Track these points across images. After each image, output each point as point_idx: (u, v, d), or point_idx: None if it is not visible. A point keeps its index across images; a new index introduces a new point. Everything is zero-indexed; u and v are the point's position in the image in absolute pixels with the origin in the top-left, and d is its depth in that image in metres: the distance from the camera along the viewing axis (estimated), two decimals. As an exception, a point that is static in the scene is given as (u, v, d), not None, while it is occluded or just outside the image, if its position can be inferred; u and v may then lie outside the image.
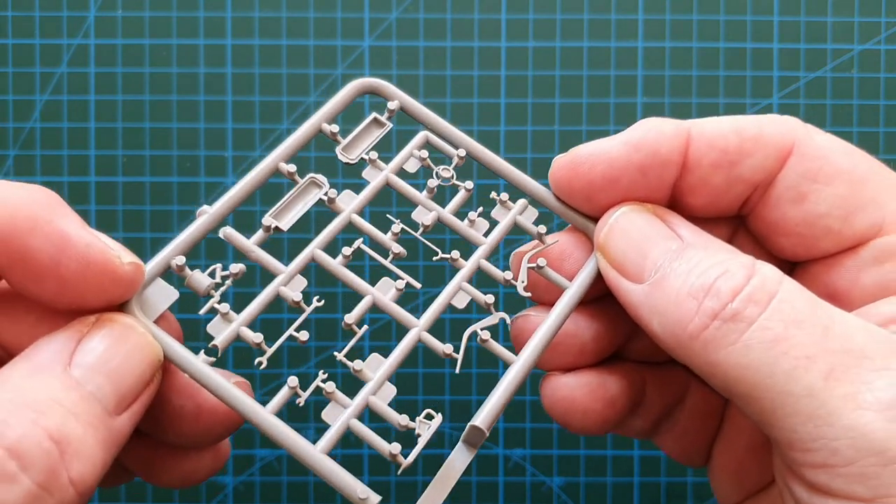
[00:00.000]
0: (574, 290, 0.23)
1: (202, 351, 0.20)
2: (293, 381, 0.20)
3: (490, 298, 0.22)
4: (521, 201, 0.24)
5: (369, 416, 0.21)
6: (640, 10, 0.36)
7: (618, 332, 0.24)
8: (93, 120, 0.36)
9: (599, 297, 0.24)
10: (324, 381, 0.21)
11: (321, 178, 0.23)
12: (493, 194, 0.24)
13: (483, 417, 0.20)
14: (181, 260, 0.21)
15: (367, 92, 0.24)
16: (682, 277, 0.20)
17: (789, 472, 0.19)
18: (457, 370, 0.21)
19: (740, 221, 0.24)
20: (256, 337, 0.21)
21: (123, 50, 0.36)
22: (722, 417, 0.25)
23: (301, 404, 0.20)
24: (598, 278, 0.23)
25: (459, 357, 0.21)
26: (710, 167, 0.22)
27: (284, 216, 0.23)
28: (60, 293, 0.18)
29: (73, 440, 0.16)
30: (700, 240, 0.21)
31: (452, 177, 0.24)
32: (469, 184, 0.24)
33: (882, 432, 0.17)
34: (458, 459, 0.21)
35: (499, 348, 0.22)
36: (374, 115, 0.24)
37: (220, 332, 0.21)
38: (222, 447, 0.24)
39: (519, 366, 0.21)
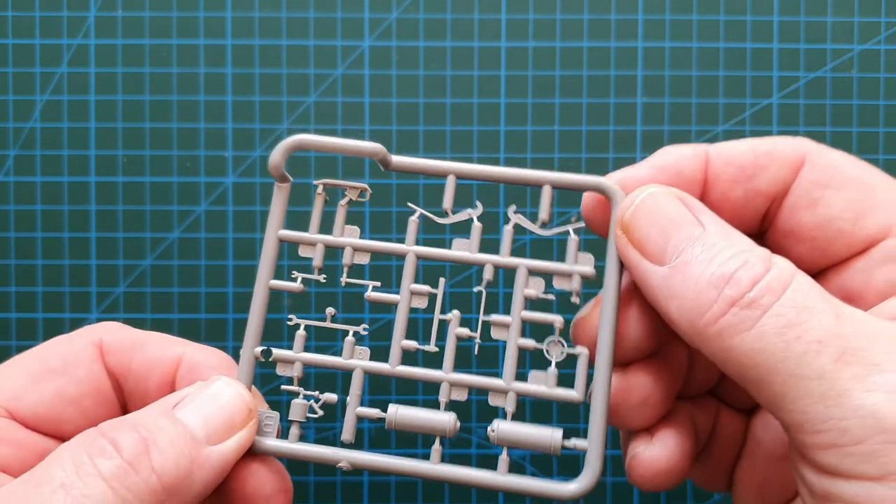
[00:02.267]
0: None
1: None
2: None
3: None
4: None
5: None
6: (640, 10, 0.36)
7: (675, 380, 0.25)
8: (93, 120, 0.36)
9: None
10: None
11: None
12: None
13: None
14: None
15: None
16: (704, 265, 0.20)
17: (800, 457, 0.20)
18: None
19: (762, 239, 0.24)
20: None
21: (123, 50, 0.36)
22: (744, 439, 0.26)
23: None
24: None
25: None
26: (728, 182, 0.23)
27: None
28: None
29: (158, 443, 0.21)
30: (721, 229, 0.21)
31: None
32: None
33: (891, 412, 0.18)
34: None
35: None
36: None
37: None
38: None
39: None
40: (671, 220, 0.21)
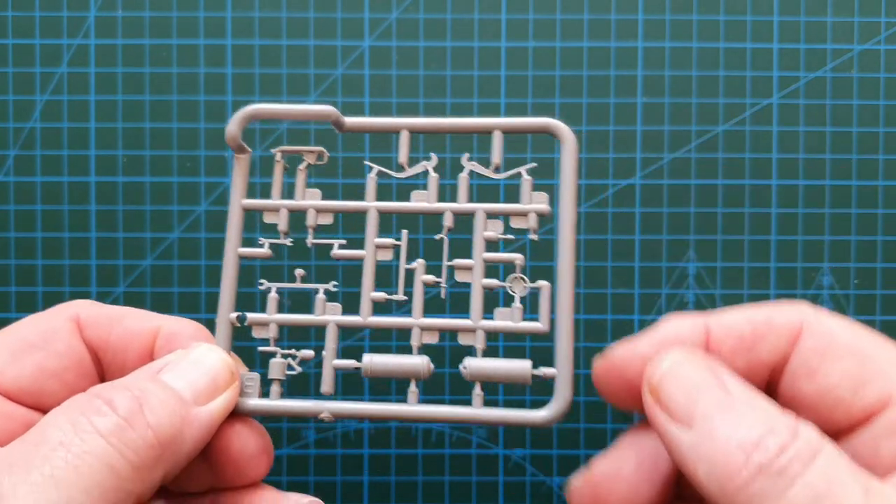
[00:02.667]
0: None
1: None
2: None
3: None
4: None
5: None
6: (640, 10, 0.36)
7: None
8: (93, 120, 0.36)
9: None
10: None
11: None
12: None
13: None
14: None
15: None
16: (731, 429, 0.20)
17: None
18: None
19: None
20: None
21: (123, 50, 0.36)
22: None
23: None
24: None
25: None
26: (729, 353, 0.23)
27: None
28: None
29: (150, 402, 0.21)
30: (745, 393, 0.22)
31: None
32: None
33: None
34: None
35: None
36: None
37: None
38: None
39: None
40: (697, 383, 0.22)
